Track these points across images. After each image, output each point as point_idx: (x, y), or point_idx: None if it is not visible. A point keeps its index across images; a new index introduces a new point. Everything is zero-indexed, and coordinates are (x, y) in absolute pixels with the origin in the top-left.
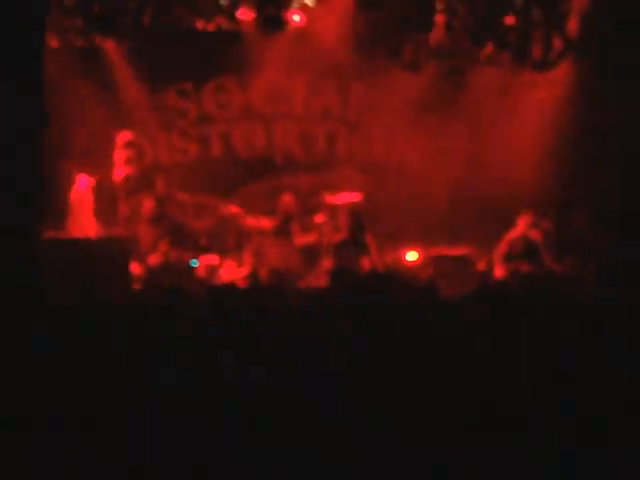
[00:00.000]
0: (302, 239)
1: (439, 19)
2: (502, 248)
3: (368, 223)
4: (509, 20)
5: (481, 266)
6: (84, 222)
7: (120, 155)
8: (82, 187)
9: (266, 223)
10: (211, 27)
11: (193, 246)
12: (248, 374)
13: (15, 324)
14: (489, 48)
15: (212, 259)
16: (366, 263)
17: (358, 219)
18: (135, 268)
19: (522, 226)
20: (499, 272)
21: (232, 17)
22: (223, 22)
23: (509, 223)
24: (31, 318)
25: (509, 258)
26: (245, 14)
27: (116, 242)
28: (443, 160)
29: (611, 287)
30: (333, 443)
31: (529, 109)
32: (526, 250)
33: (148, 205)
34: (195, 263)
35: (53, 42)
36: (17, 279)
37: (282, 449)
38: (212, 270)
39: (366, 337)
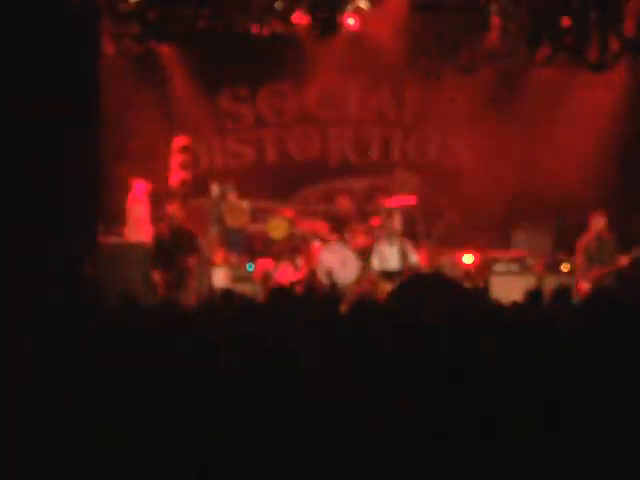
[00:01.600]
0: (358, 242)
1: (495, 21)
2: (580, 257)
3: (423, 226)
4: (565, 21)
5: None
6: (140, 227)
7: (176, 160)
8: (138, 192)
9: (321, 227)
10: (266, 31)
11: (249, 250)
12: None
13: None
14: (545, 50)
15: (268, 263)
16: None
17: (412, 222)
18: (156, 275)
19: (595, 227)
20: (583, 286)
21: (287, 21)
22: (278, 26)
23: (566, 225)
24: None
25: (588, 263)
26: (300, 18)
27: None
28: (498, 162)
29: None
30: None
31: (585, 111)
32: (601, 252)
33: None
34: (251, 267)
35: (109, 48)
36: (73, 281)
37: None
38: (268, 274)
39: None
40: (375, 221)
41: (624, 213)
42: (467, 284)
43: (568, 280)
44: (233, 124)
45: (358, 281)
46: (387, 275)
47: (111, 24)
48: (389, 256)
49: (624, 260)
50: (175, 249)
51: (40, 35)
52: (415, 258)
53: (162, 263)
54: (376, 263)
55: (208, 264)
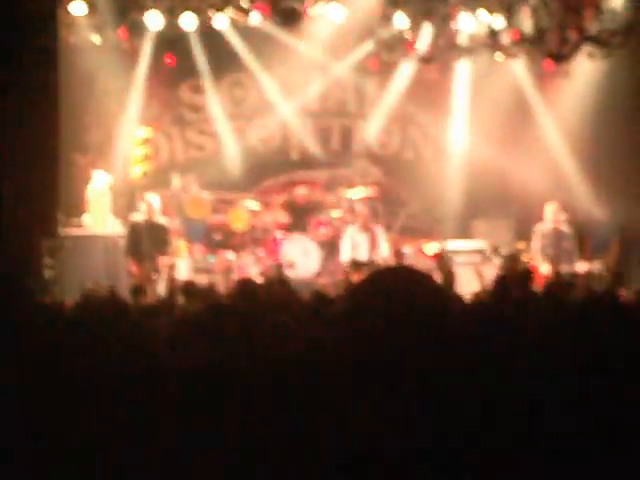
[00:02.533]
0: (319, 233)
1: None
2: (535, 242)
3: (385, 216)
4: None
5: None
6: (101, 218)
7: (137, 151)
8: (99, 183)
9: (282, 218)
10: (227, 22)
11: (210, 241)
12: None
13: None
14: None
15: (229, 254)
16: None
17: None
18: (132, 266)
19: (549, 216)
20: (544, 269)
21: (247, 12)
22: (239, 17)
23: (526, 215)
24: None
25: (542, 251)
26: (261, 8)
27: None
28: (457, 152)
29: None
30: None
31: (545, 101)
32: (557, 242)
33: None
34: (213, 258)
35: (68, 38)
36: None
37: None
38: (229, 265)
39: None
40: (336, 212)
41: (586, 205)
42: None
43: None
44: (194, 115)
45: (320, 273)
46: (356, 265)
47: (70, 13)
48: (358, 245)
49: (581, 267)
50: (147, 241)
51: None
52: (385, 249)
53: (137, 256)
54: (345, 252)
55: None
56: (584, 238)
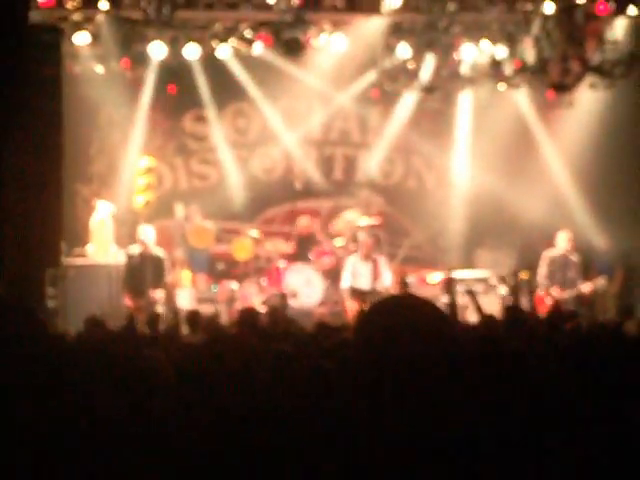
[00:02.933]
0: (322, 263)
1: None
2: (543, 268)
3: (388, 246)
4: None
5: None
6: (104, 248)
7: (140, 181)
8: (102, 213)
9: (286, 247)
10: (230, 53)
11: (213, 271)
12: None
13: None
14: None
15: (232, 284)
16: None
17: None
18: (127, 301)
19: (560, 244)
20: (542, 298)
21: (250, 43)
22: (241, 48)
23: (530, 245)
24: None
25: (549, 278)
26: (263, 39)
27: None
28: (462, 182)
29: None
30: None
31: (549, 131)
32: (564, 269)
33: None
34: (216, 288)
35: (72, 69)
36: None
37: None
38: (232, 295)
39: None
40: (339, 241)
41: (587, 234)
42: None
43: (525, 288)
44: (197, 145)
45: (323, 302)
46: (357, 293)
47: (74, 45)
48: (361, 274)
49: (586, 288)
50: (144, 274)
51: (3, 55)
52: (389, 278)
53: (132, 289)
54: (346, 280)
55: (172, 287)
56: (588, 266)
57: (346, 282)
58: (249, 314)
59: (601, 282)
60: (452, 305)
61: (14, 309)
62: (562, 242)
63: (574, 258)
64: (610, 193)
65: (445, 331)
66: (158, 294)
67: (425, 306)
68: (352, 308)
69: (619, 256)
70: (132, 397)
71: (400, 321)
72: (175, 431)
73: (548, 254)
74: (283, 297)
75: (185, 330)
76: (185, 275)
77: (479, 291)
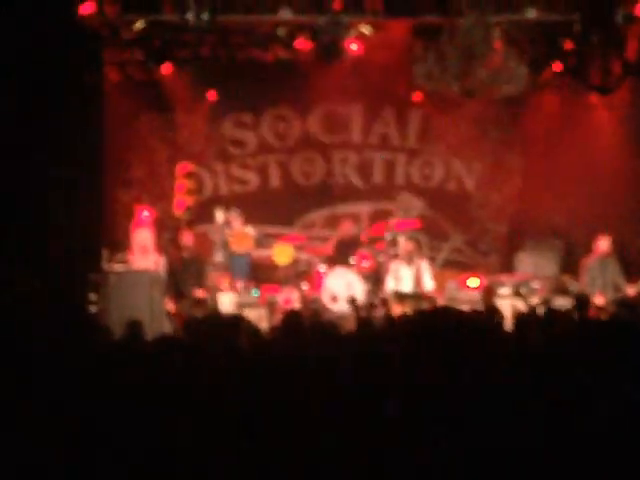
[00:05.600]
0: (362, 267)
1: (497, 45)
2: (583, 277)
3: (428, 250)
4: (568, 45)
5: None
6: (145, 254)
7: (180, 186)
8: (143, 219)
9: (326, 251)
10: (269, 57)
11: (254, 276)
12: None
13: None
14: (548, 73)
15: (273, 288)
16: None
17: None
18: (170, 305)
19: (599, 249)
20: (599, 301)
21: (290, 47)
22: (281, 52)
23: (571, 248)
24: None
25: (590, 285)
26: (303, 44)
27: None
28: (502, 185)
29: None
30: None
31: (588, 133)
32: (604, 273)
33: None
34: (256, 293)
35: (112, 76)
36: (79, 309)
37: None
38: (273, 300)
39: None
40: (379, 246)
41: (629, 235)
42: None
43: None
44: (237, 150)
45: (368, 305)
46: (400, 297)
47: (114, 51)
48: (403, 278)
49: (631, 290)
50: (186, 279)
51: (45, 63)
52: (430, 284)
53: (174, 293)
54: (390, 284)
55: (213, 291)
56: (630, 266)
57: (390, 286)
58: (292, 318)
59: None
60: (491, 311)
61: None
62: (602, 247)
63: (613, 261)
64: None
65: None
66: (200, 293)
67: (465, 318)
68: (396, 311)
69: None
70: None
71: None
72: None
73: (587, 261)
74: (319, 301)
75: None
76: (225, 280)
77: (523, 294)
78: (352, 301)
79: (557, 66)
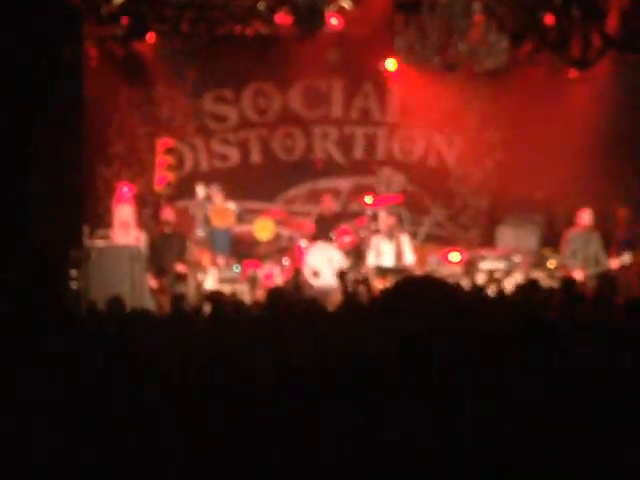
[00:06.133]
0: (343, 242)
1: (477, 19)
2: (564, 250)
3: (409, 224)
4: (548, 19)
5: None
6: (126, 230)
7: (161, 162)
8: (124, 195)
9: (307, 227)
10: (249, 32)
11: (235, 251)
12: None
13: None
14: (528, 47)
15: (254, 264)
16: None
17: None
18: (151, 281)
19: (581, 222)
20: (578, 275)
21: (270, 22)
22: (261, 27)
23: (552, 221)
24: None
25: (572, 257)
26: (283, 18)
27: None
28: (483, 160)
29: None
30: None
31: (569, 107)
32: (586, 246)
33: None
34: (238, 268)
35: (92, 51)
36: (61, 284)
37: None
38: (255, 275)
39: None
40: (360, 221)
41: (611, 209)
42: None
43: (554, 275)
44: (217, 125)
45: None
46: (381, 271)
47: (94, 26)
48: (384, 252)
49: (615, 263)
50: (167, 254)
51: (24, 39)
52: (411, 257)
53: (156, 268)
54: (371, 258)
55: (195, 266)
56: (612, 241)
57: (371, 260)
58: (276, 294)
59: (625, 258)
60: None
61: None
62: (584, 220)
63: (595, 235)
64: (634, 167)
65: (462, 311)
66: (181, 268)
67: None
68: (378, 286)
69: None
70: None
71: (421, 301)
72: None
73: (568, 233)
74: (298, 274)
75: (208, 309)
76: (206, 256)
77: (502, 268)
78: (341, 275)
79: (537, 39)
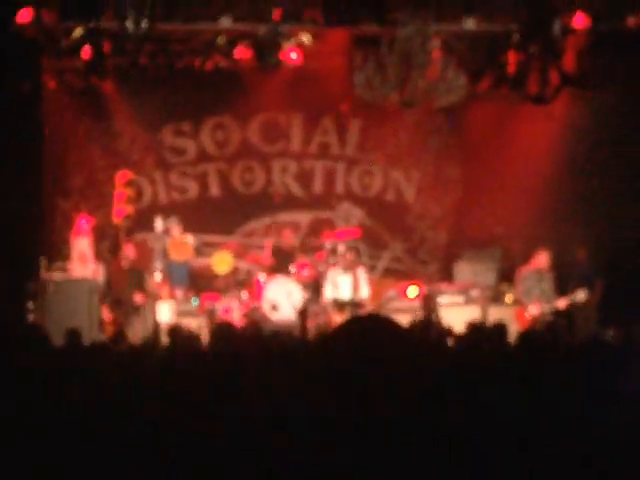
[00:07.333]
0: (302, 275)
1: (436, 55)
2: (518, 287)
3: (367, 258)
4: (506, 56)
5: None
6: (84, 262)
7: (119, 194)
8: (82, 227)
9: (265, 260)
10: (208, 66)
11: (193, 284)
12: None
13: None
14: (486, 83)
15: (213, 297)
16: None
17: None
18: (105, 313)
19: (536, 262)
20: (534, 310)
21: (229, 56)
22: (221, 60)
23: (510, 257)
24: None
25: (525, 295)
26: (242, 52)
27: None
28: (441, 195)
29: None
30: None
31: (526, 144)
32: (539, 285)
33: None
34: (196, 301)
35: (50, 84)
36: (17, 317)
37: None
38: (213, 308)
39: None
40: (319, 255)
41: (564, 248)
42: (414, 316)
43: (511, 311)
44: (176, 158)
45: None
46: (338, 304)
47: (53, 59)
48: (341, 285)
49: (563, 302)
50: (125, 287)
51: None
52: (366, 291)
53: (111, 300)
54: (329, 291)
55: (153, 299)
56: (567, 279)
57: (328, 293)
58: (224, 330)
59: (580, 295)
60: (429, 320)
61: None
62: (540, 261)
63: (548, 275)
64: (590, 205)
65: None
66: (139, 298)
67: (397, 328)
68: (335, 319)
69: (600, 267)
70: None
71: (373, 340)
72: None
73: (523, 271)
74: (258, 310)
75: (165, 342)
76: (164, 288)
77: (459, 302)
78: (301, 312)
79: (495, 76)
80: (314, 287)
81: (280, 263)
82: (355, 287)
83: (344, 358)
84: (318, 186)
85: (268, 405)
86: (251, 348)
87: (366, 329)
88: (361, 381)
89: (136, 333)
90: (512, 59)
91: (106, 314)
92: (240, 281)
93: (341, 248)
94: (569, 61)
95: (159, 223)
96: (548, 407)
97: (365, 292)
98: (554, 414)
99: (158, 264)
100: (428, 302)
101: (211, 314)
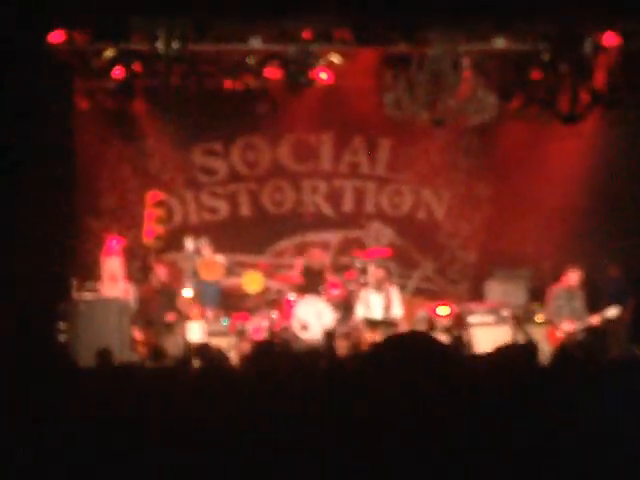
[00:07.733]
0: (332, 295)
1: (466, 75)
2: (549, 306)
3: (398, 278)
4: (536, 74)
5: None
6: (115, 282)
7: (150, 215)
8: (112, 247)
9: (296, 279)
10: (239, 86)
11: (223, 304)
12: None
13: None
14: (517, 102)
15: (243, 317)
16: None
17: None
18: (136, 333)
19: (567, 280)
20: (568, 327)
21: (259, 75)
22: (251, 81)
23: (540, 276)
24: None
25: (556, 314)
26: (272, 72)
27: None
28: (472, 214)
29: None
30: None
31: (557, 163)
32: (570, 303)
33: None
34: (226, 321)
35: (82, 104)
36: (48, 338)
37: None
38: (243, 328)
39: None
40: (349, 274)
41: (596, 265)
42: (444, 336)
43: (542, 330)
44: (207, 178)
45: (345, 333)
46: (370, 324)
47: (84, 80)
48: (373, 305)
49: (595, 319)
50: (156, 307)
51: (15, 92)
52: (399, 310)
53: (142, 321)
54: (360, 311)
55: (183, 319)
56: (599, 296)
57: (360, 313)
58: (263, 348)
59: (612, 312)
60: (460, 339)
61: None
62: (570, 280)
63: (580, 294)
64: (621, 222)
65: (451, 371)
66: (171, 317)
67: (435, 345)
68: (367, 338)
69: (632, 284)
70: None
71: (410, 359)
72: None
73: (553, 290)
74: (288, 330)
75: (196, 363)
76: (195, 309)
77: (490, 322)
78: (328, 335)
79: (526, 95)
80: (344, 307)
81: (310, 283)
82: (387, 306)
83: (391, 376)
84: (348, 205)
85: (307, 425)
86: (287, 367)
87: (409, 347)
88: (419, 401)
89: (168, 353)
90: (542, 78)
91: (137, 334)
92: (270, 301)
93: (371, 267)
94: (599, 80)
95: (190, 243)
96: (583, 425)
97: (398, 311)
98: (590, 432)
99: (188, 284)
100: (459, 321)
101: (241, 334)
